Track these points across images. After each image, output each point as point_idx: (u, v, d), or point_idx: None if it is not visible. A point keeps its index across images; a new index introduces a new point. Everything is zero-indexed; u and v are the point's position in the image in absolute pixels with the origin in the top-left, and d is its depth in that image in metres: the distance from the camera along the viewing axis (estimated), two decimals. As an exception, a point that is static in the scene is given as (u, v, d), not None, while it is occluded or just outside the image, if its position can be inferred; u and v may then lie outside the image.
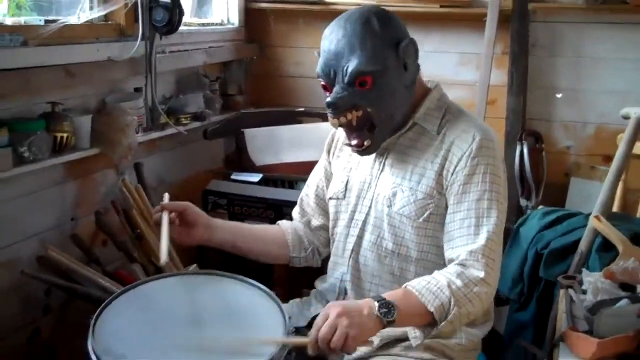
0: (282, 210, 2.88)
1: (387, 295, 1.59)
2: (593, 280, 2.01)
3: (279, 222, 2.08)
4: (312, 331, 1.52)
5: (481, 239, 1.67)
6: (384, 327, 1.55)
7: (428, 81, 1.90)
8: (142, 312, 1.69)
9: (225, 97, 3.53)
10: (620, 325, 1.83)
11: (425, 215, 1.75)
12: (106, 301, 1.70)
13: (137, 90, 2.78)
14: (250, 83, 3.75)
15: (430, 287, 1.61)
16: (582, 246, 2.48)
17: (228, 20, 3.61)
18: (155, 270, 2.51)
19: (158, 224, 1.77)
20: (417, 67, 1.83)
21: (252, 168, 3.27)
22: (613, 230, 2.32)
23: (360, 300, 1.62)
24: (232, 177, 3.15)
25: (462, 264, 1.66)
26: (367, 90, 1.71)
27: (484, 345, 2.09)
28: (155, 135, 2.88)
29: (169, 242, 1.74)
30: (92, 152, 2.53)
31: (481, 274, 1.64)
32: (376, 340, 1.75)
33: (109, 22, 2.65)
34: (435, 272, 1.67)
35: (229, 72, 3.57)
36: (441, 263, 1.77)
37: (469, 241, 1.68)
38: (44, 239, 2.43)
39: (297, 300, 2.01)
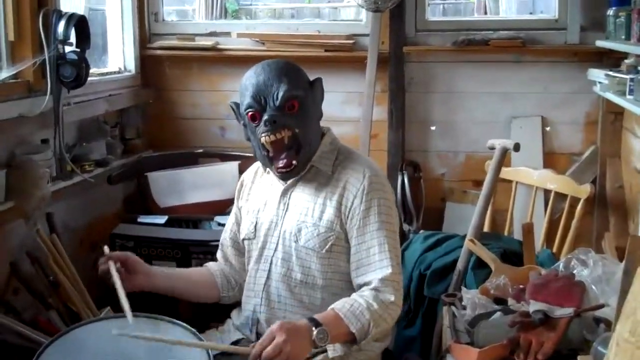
0: (188, 249, 2.94)
1: (319, 317, 1.79)
2: (471, 297, 2.18)
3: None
4: (257, 346, 1.69)
5: (388, 267, 1.91)
6: (315, 348, 1.77)
7: (322, 126, 2.12)
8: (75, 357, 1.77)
9: (124, 141, 3.52)
10: (496, 335, 1.99)
11: (327, 246, 1.97)
12: (39, 350, 1.74)
13: (44, 141, 2.78)
14: (147, 126, 3.74)
15: (353, 311, 1.83)
16: (460, 266, 2.67)
17: (125, 68, 3.62)
18: (70, 315, 2.54)
19: (104, 276, 1.89)
20: (321, 109, 2.09)
21: (155, 210, 3.29)
22: (485, 251, 2.50)
23: (299, 322, 1.79)
24: (139, 220, 3.15)
25: (375, 289, 1.89)
26: (294, 114, 1.94)
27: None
28: (63, 184, 2.86)
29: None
30: (6, 206, 2.52)
31: (392, 298, 1.89)
32: None
33: (19, 80, 2.65)
34: (355, 295, 1.89)
35: (126, 117, 3.57)
36: (344, 288, 1.98)
37: (377, 268, 1.91)
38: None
39: (214, 330, 2.16)
